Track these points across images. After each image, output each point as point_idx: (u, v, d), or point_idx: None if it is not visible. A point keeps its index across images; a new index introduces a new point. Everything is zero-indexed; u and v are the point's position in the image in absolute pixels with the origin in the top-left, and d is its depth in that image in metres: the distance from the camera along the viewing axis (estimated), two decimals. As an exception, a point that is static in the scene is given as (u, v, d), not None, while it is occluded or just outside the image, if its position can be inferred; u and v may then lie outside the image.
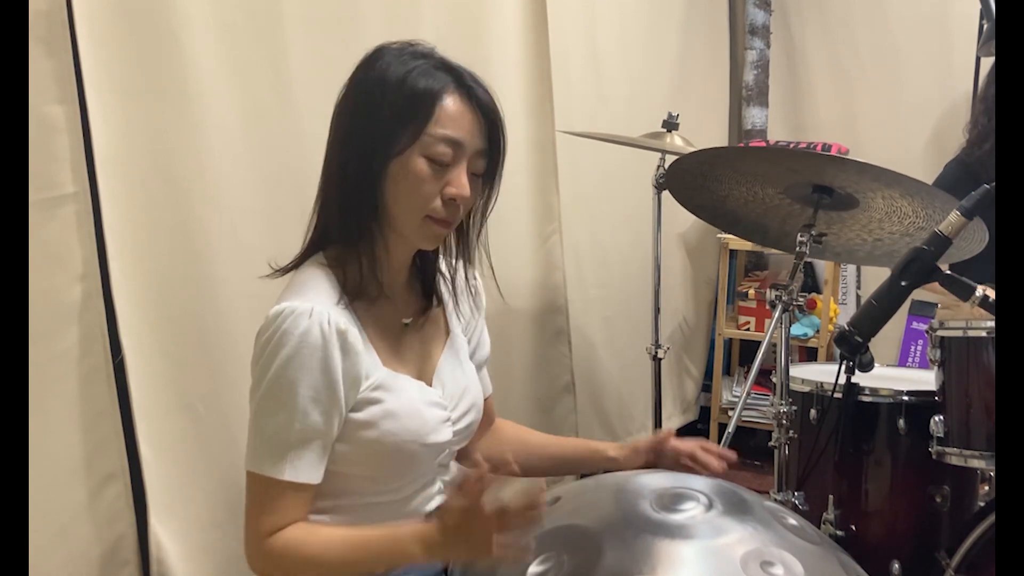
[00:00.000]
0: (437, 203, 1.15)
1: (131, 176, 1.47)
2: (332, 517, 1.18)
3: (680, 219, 3.14)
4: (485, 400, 1.41)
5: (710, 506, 1.08)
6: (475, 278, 1.36)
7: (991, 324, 1.47)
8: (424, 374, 1.25)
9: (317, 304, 1.11)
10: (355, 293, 1.17)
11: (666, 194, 2.08)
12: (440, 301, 1.31)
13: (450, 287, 1.33)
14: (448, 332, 1.32)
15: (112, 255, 1.43)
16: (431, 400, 1.23)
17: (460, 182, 1.15)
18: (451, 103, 1.14)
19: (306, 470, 1.11)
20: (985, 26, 2.76)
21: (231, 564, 1.64)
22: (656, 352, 2.48)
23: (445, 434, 1.23)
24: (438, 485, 1.31)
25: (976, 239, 1.54)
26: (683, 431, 3.41)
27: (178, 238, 1.55)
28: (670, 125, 2.38)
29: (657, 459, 1.40)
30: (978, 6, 2.79)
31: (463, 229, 1.26)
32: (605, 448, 1.43)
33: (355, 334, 1.13)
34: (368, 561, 1.10)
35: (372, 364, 1.16)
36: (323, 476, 1.14)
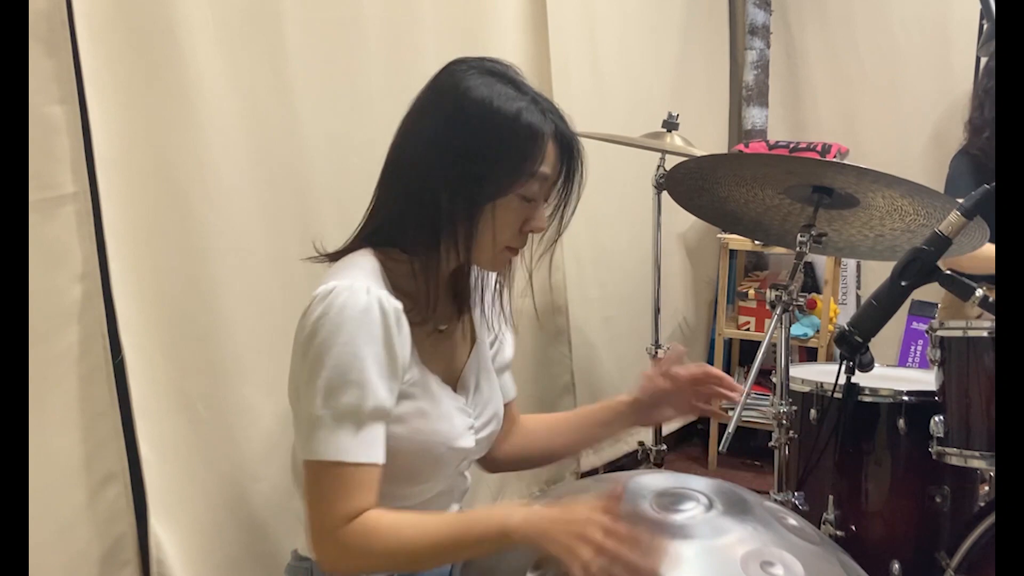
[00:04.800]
0: (517, 235, 1.18)
1: (131, 176, 1.47)
2: None
3: (680, 219, 3.14)
4: (509, 403, 1.40)
5: (710, 506, 1.08)
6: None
7: (991, 324, 1.47)
8: (449, 380, 1.25)
9: (371, 285, 1.10)
10: (402, 293, 1.15)
11: (666, 194, 2.08)
12: (471, 309, 1.32)
13: (481, 297, 1.33)
14: (474, 340, 1.32)
15: (112, 255, 1.43)
16: (458, 406, 1.23)
17: (542, 217, 1.19)
18: (551, 146, 1.15)
19: (378, 449, 1.08)
20: (985, 26, 2.76)
21: (231, 564, 1.64)
22: (656, 352, 2.48)
23: (469, 441, 1.23)
24: (455, 494, 1.31)
25: (977, 237, 1.54)
26: (683, 431, 3.42)
27: (178, 238, 1.55)
28: (670, 125, 2.38)
29: (667, 395, 1.34)
30: (978, 6, 2.79)
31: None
32: (618, 401, 1.38)
33: (405, 320, 1.13)
34: (459, 537, 1.04)
35: (413, 358, 1.16)
36: None
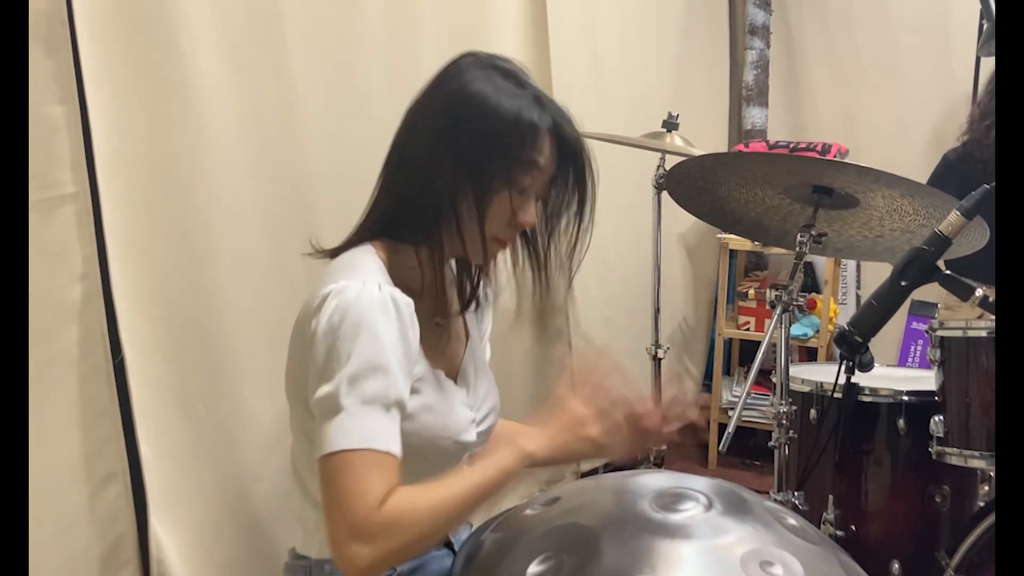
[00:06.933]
0: (507, 228, 1.18)
1: (131, 176, 1.47)
2: None
3: (680, 219, 3.14)
4: None
5: (710, 506, 1.08)
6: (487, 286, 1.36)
7: (991, 324, 1.47)
8: (450, 374, 1.25)
9: (381, 282, 1.09)
10: (404, 287, 1.15)
11: (666, 194, 2.08)
12: (477, 305, 1.32)
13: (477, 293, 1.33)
14: (468, 335, 1.32)
15: (112, 255, 1.43)
16: (460, 399, 1.23)
17: (531, 211, 1.18)
18: (547, 140, 1.17)
19: (398, 442, 1.05)
20: (985, 26, 2.76)
21: (231, 564, 1.64)
22: (656, 352, 2.48)
23: (472, 434, 1.23)
24: None
25: (976, 237, 1.54)
26: (682, 431, 3.41)
27: (178, 238, 1.55)
28: (670, 125, 2.38)
29: None
30: (978, 6, 2.79)
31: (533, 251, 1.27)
32: None
33: (415, 315, 1.12)
34: (488, 478, 1.07)
35: (420, 352, 1.16)
36: None
